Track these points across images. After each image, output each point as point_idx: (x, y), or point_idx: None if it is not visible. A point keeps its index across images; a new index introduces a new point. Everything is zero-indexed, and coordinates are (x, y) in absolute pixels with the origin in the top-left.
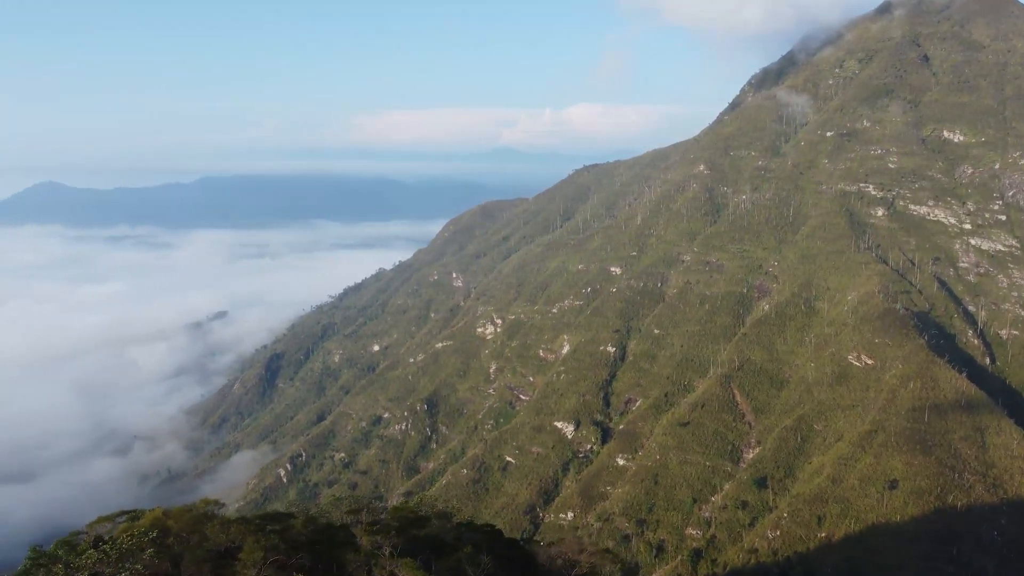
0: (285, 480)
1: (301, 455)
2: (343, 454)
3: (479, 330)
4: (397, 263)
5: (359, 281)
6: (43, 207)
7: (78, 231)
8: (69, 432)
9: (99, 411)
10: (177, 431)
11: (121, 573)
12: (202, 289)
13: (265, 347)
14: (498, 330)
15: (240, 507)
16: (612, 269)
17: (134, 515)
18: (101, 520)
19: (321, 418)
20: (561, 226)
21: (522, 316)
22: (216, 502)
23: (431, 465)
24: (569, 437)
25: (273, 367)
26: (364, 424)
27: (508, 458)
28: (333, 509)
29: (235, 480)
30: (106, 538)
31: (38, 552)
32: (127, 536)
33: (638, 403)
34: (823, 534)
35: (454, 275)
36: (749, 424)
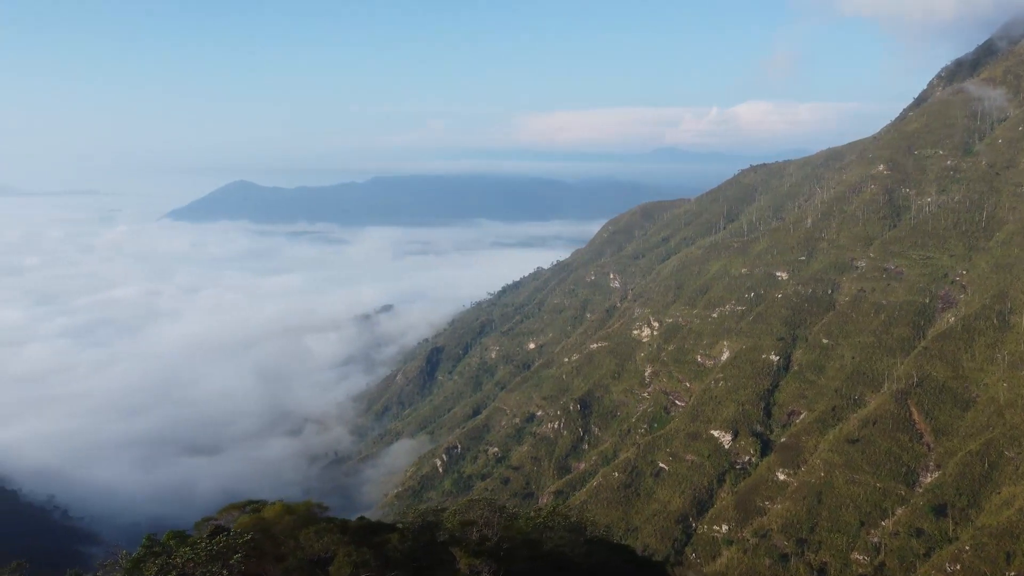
0: (441, 470)
1: (457, 447)
2: (496, 449)
3: (635, 332)
4: (555, 262)
5: (517, 279)
6: (234, 204)
7: (264, 226)
8: (250, 412)
9: (276, 394)
10: (344, 416)
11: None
12: (371, 283)
13: (426, 340)
14: (655, 333)
15: (399, 493)
16: (778, 274)
17: (255, 507)
18: (231, 508)
19: (477, 412)
20: (724, 228)
21: (680, 320)
22: (320, 505)
23: (582, 466)
24: (726, 447)
25: (433, 360)
26: (518, 420)
27: (661, 464)
28: (449, 518)
29: (395, 466)
30: (218, 531)
31: (152, 541)
32: (223, 537)
33: (802, 416)
34: (1012, 573)
35: (611, 276)
36: (928, 446)
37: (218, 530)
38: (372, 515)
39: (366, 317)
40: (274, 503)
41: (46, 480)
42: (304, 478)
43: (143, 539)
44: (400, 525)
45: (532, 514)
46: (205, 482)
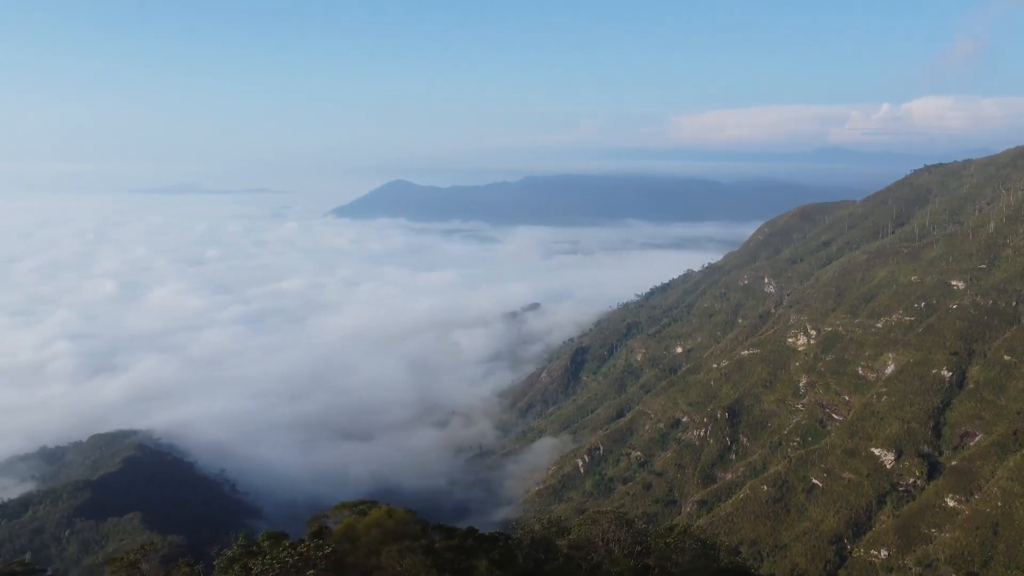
0: (582, 471)
1: (599, 449)
2: (639, 453)
3: (790, 340)
4: (706, 265)
5: (666, 281)
6: (393, 203)
7: (420, 224)
8: (400, 402)
9: (425, 386)
10: (489, 411)
11: None
12: (520, 281)
13: (572, 340)
14: (811, 341)
15: (540, 491)
16: (953, 283)
17: (363, 509)
18: (343, 506)
19: (620, 414)
20: (892, 232)
21: (840, 328)
22: (413, 515)
23: (729, 476)
24: (888, 467)
25: (578, 360)
26: (662, 425)
27: (815, 480)
28: (576, 528)
29: (537, 464)
30: (320, 532)
31: (248, 540)
32: (304, 547)
33: (977, 438)
34: None
35: (766, 280)
36: None
37: (320, 531)
38: (513, 511)
39: (514, 315)
40: (380, 507)
41: (218, 455)
42: (449, 469)
43: (240, 537)
44: (516, 536)
45: (662, 532)
46: (356, 466)
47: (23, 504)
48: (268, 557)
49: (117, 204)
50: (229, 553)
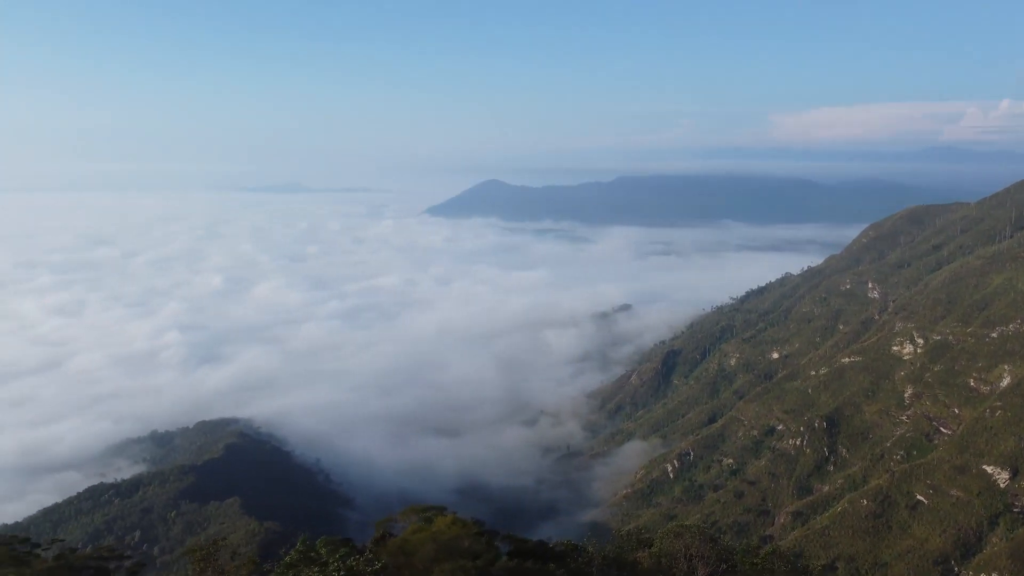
0: (672, 476)
1: (689, 454)
2: (731, 460)
3: (895, 348)
4: (806, 268)
5: (763, 284)
6: (486, 202)
7: (512, 223)
8: (490, 400)
9: (514, 384)
10: (578, 411)
11: None
12: (611, 282)
13: (663, 342)
14: (918, 350)
15: (627, 494)
16: None
17: (429, 516)
18: (412, 510)
19: (712, 420)
20: (1011, 236)
21: (950, 338)
22: (478, 527)
23: (826, 488)
24: (1002, 486)
25: (669, 363)
26: (756, 433)
27: (919, 496)
28: (659, 541)
29: (625, 467)
30: (384, 538)
31: (306, 545)
32: (355, 560)
33: None
34: None
35: (870, 285)
36: None
37: (384, 538)
38: (600, 513)
39: (604, 315)
40: (447, 514)
41: (314, 445)
42: (536, 468)
43: (298, 542)
44: (590, 550)
45: (751, 550)
46: (446, 462)
47: (135, 484)
48: (317, 569)
49: (226, 202)
50: (286, 559)
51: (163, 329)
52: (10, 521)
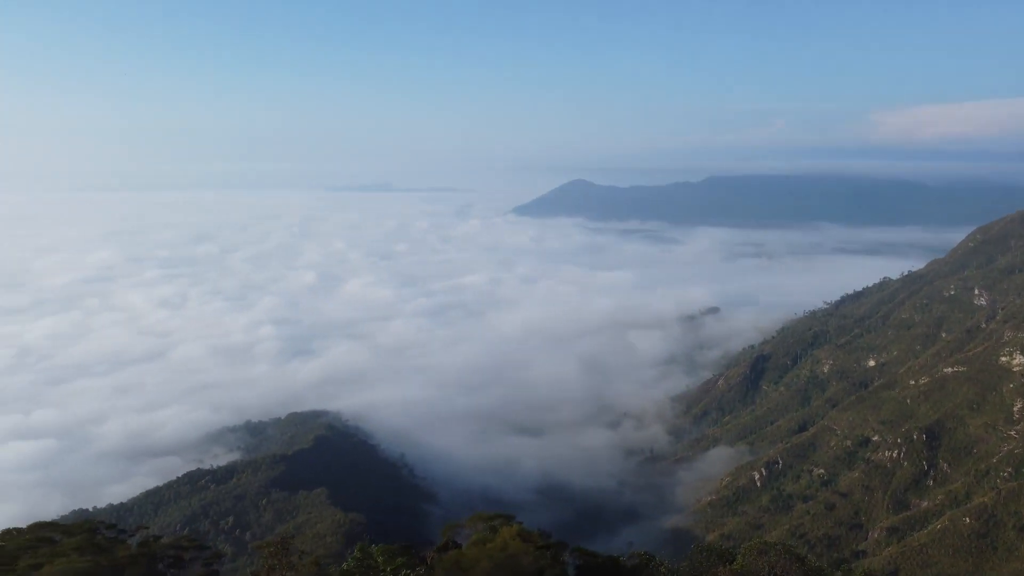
0: (759, 484)
1: (778, 462)
2: (822, 470)
3: (1003, 359)
4: (906, 272)
5: (859, 289)
6: (572, 202)
7: (598, 223)
8: (573, 400)
9: (598, 386)
10: (662, 415)
11: None
12: (699, 284)
13: (752, 347)
14: None
15: (712, 501)
16: None
17: (495, 525)
18: (479, 517)
19: (802, 428)
20: None
21: None
22: (543, 539)
23: (924, 503)
24: None
25: (758, 368)
26: (849, 443)
27: None
28: (753, 554)
29: (709, 473)
30: (448, 547)
31: (364, 552)
32: (414, 573)
33: None
34: None
35: (976, 291)
36: None
37: (448, 546)
38: (684, 519)
39: (691, 318)
40: (513, 525)
41: (399, 440)
42: (619, 471)
43: (356, 549)
44: (664, 568)
45: (842, 571)
46: (528, 461)
47: (229, 471)
48: None
49: (321, 201)
50: (344, 566)
51: (259, 323)
52: (116, 502)
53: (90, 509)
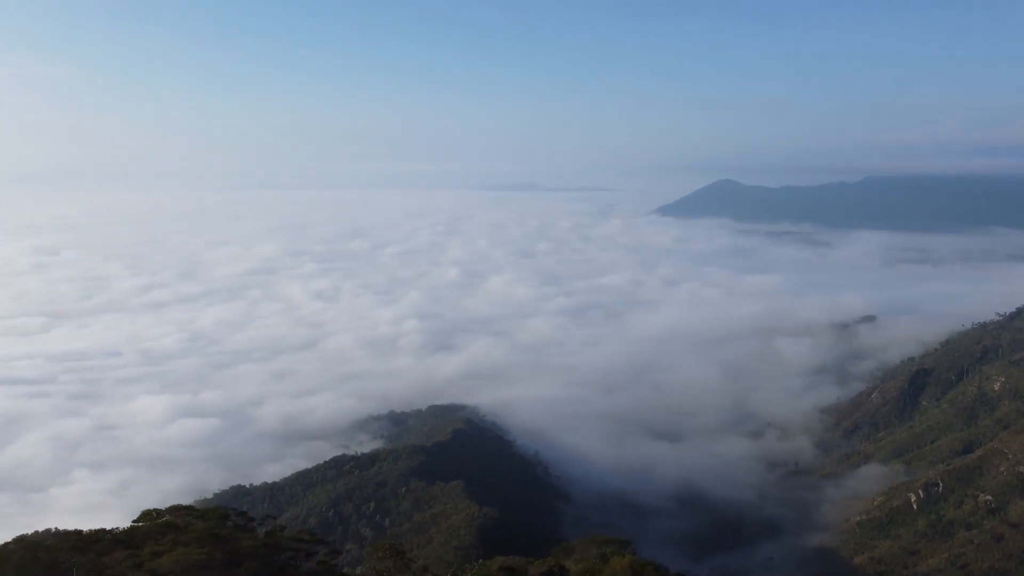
0: (915, 507)
1: (937, 485)
2: (989, 497)
3: None
4: None
5: None
6: (718, 202)
7: (745, 225)
8: (713, 407)
9: (740, 393)
10: (809, 427)
11: None
12: (854, 290)
13: (912, 359)
14: None
15: (861, 521)
16: None
17: (606, 554)
18: (591, 540)
19: (967, 450)
20: None
21: None
22: (642, 573)
23: None
24: None
25: (918, 382)
26: (1021, 469)
27: None
28: None
29: (860, 491)
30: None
31: (482, 569)
32: None
33: None
34: None
35: None
36: None
37: (553, 571)
38: (829, 538)
39: (844, 326)
40: (625, 555)
41: (534, 437)
42: (760, 483)
43: (476, 565)
44: None
45: None
46: (663, 467)
47: (372, 459)
48: None
49: (467, 200)
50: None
51: (404, 316)
52: (270, 480)
53: (247, 486)
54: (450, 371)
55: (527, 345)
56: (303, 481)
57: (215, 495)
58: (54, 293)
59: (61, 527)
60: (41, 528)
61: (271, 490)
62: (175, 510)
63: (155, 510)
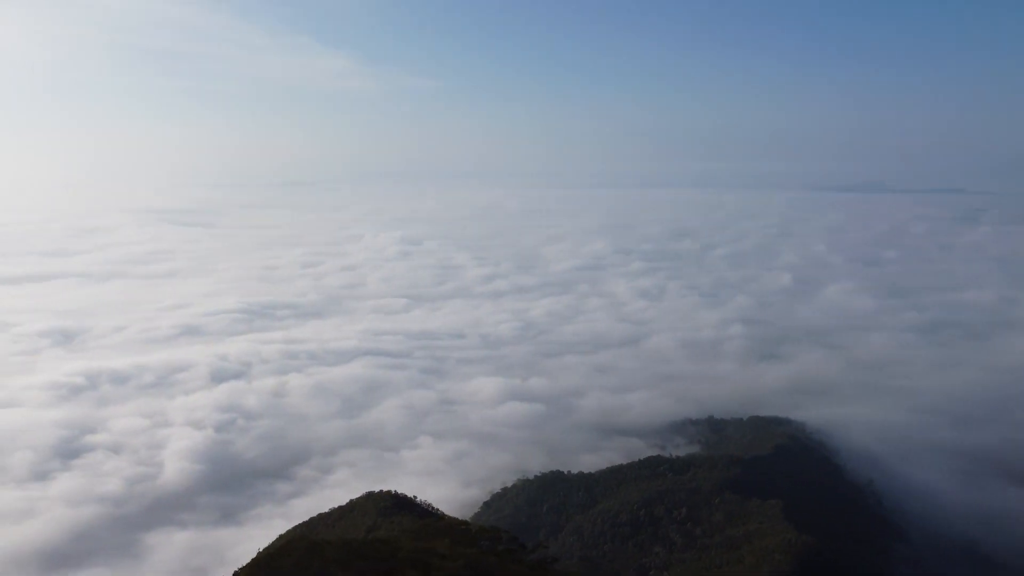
0: None
1: None
2: None
3: None
4: None
5: None
6: None
7: None
8: None
9: None
10: None
11: None
12: None
13: None
14: None
15: None
16: None
17: None
18: None
19: None
20: None
21: None
22: None
23: None
24: None
25: None
26: None
27: None
28: None
29: None
30: None
31: None
32: None
33: None
34: None
35: None
36: None
37: None
38: None
39: None
40: None
41: (867, 464)
42: None
43: None
44: None
45: None
46: None
47: (686, 463)
48: None
49: (803, 201)
50: None
51: (729, 320)
52: (586, 470)
53: (564, 472)
54: (775, 381)
55: (866, 361)
56: (617, 476)
57: (535, 477)
58: (415, 278)
59: (401, 491)
60: (386, 488)
61: (586, 480)
62: (450, 527)
63: (434, 519)
